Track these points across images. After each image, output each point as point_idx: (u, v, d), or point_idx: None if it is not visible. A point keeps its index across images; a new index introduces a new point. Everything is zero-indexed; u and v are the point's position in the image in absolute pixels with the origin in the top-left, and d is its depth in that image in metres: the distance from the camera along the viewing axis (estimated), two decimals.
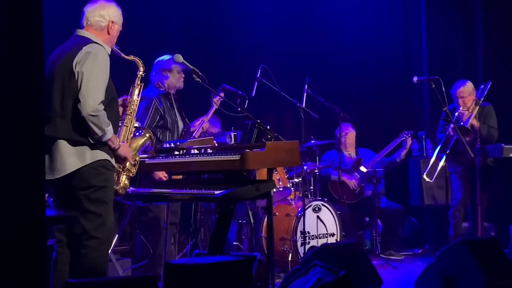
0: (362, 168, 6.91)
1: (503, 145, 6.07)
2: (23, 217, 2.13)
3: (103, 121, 3.63)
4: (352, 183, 6.83)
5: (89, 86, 3.61)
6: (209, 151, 4.20)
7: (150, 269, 5.11)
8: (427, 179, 6.22)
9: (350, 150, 7.17)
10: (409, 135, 7.00)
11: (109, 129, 3.68)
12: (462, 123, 6.07)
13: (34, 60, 2.21)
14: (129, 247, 5.93)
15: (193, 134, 5.29)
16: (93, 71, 3.64)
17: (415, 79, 5.96)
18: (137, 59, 4.10)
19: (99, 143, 3.68)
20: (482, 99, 6.29)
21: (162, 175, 4.81)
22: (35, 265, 2.11)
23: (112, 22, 3.89)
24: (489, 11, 7.66)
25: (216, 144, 4.60)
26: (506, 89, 7.27)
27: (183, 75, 5.24)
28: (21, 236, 2.12)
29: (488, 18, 7.65)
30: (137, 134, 4.10)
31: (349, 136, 7.10)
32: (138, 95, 4.07)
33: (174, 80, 5.19)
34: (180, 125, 5.27)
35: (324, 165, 6.82)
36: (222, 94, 5.04)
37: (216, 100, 5.22)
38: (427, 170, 6.20)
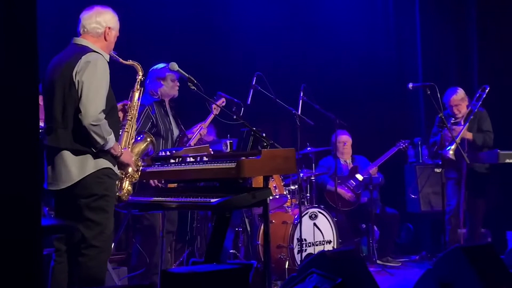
0: (358, 176, 6.91)
1: (498, 151, 6.07)
2: (17, 226, 2.12)
3: (105, 130, 3.63)
4: (347, 196, 6.83)
5: (90, 95, 3.61)
6: (205, 159, 4.19)
7: (146, 278, 5.10)
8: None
9: (346, 157, 7.16)
10: (406, 144, 7.00)
11: (111, 138, 3.68)
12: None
13: (28, 65, 2.21)
14: (125, 255, 5.91)
15: (190, 141, 5.30)
16: (93, 80, 3.63)
17: (410, 85, 5.97)
18: (136, 64, 4.10)
19: (101, 152, 3.68)
20: (478, 106, 6.30)
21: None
22: (30, 274, 2.10)
23: (109, 28, 3.88)
24: (483, 17, 7.70)
25: (212, 152, 4.59)
26: (500, 95, 7.30)
27: (177, 84, 5.25)
28: (15, 245, 2.11)
29: (482, 24, 7.69)
30: (139, 138, 4.10)
31: (346, 144, 7.09)
32: (138, 99, 4.07)
33: (168, 88, 5.20)
34: (175, 132, 5.27)
35: (321, 171, 6.82)
36: (222, 101, 5.05)
37: (216, 107, 5.21)
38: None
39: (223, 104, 5.20)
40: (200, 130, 5.41)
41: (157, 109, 5.14)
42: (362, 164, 7.09)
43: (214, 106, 5.20)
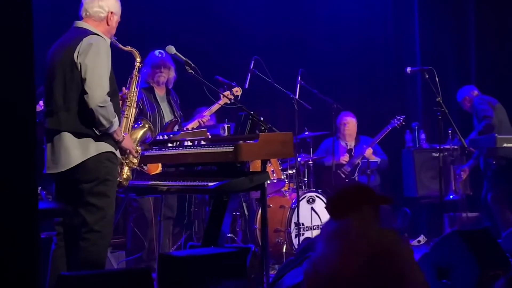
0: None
1: (496, 135, 6.08)
2: (14, 210, 2.11)
3: (110, 112, 3.61)
4: (344, 158, 6.82)
5: (95, 77, 3.58)
6: (203, 143, 4.19)
7: (143, 262, 5.11)
8: None
9: (348, 139, 7.12)
10: (401, 120, 6.93)
11: (116, 121, 3.66)
12: None
13: (24, 55, 2.19)
14: (123, 239, 5.92)
15: (186, 125, 5.29)
16: (97, 62, 3.61)
17: (408, 69, 5.95)
18: (134, 50, 4.08)
19: (104, 135, 3.65)
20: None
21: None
22: (26, 259, 2.10)
23: (111, 13, 3.86)
24: (481, 0, 7.66)
25: (210, 136, 4.58)
26: (497, 79, 7.28)
27: (160, 70, 5.23)
28: (12, 229, 2.11)
29: (480, 7, 7.65)
30: (136, 125, 4.09)
31: (349, 127, 7.06)
32: (137, 85, 4.05)
33: (149, 75, 5.20)
34: (168, 118, 5.26)
35: (320, 154, 6.81)
36: (228, 93, 5.00)
37: (223, 97, 5.10)
38: None
39: (229, 95, 5.12)
40: (201, 117, 5.38)
41: (147, 95, 5.14)
42: (364, 144, 7.04)
43: (222, 95, 5.10)
